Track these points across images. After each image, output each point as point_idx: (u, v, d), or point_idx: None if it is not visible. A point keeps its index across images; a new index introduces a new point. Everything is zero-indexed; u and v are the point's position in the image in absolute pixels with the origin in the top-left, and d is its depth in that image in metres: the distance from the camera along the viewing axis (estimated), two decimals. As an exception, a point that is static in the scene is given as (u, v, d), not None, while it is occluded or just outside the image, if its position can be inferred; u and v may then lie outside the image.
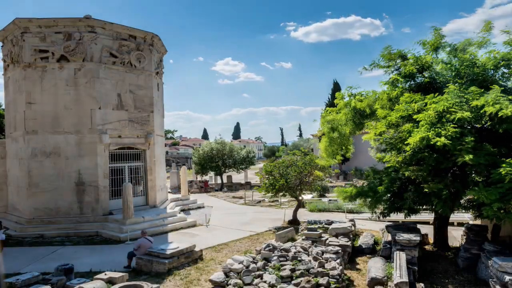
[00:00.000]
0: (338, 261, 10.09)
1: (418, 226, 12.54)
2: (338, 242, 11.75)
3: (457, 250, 12.18)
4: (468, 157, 8.64)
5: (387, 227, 12.68)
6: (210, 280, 9.28)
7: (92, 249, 13.70)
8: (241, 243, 14.32)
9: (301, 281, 8.74)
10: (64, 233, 15.54)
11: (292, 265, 9.82)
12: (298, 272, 9.29)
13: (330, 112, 13.89)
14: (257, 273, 9.46)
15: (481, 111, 9.12)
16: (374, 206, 12.33)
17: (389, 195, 12.01)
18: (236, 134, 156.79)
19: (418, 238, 10.67)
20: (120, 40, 17.55)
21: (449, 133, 8.89)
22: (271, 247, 11.04)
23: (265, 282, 8.95)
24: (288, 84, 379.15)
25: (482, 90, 9.80)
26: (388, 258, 11.27)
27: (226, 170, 37.21)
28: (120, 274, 9.46)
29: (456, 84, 10.70)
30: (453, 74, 11.54)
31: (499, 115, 8.62)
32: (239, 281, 9.08)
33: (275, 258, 10.28)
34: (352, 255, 12.21)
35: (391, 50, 12.58)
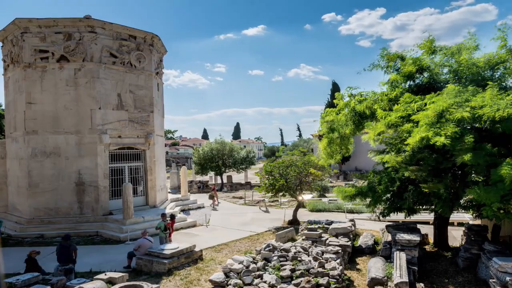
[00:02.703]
0: (338, 261, 10.10)
1: (418, 226, 12.55)
2: (338, 242, 11.75)
3: (457, 250, 12.19)
4: (467, 157, 8.64)
5: (387, 227, 12.68)
6: (210, 280, 9.28)
7: (92, 249, 13.70)
8: (241, 243, 14.32)
9: (301, 281, 8.74)
10: (64, 233, 15.43)
11: (292, 265, 9.83)
12: (298, 272, 9.29)
13: (329, 113, 13.88)
14: (257, 273, 9.47)
15: (479, 112, 9.12)
16: (374, 206, 12.34)
17: (388, 195, 12.02)
18: (236, 134, 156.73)
19: (418, 238, 10.68)
20: (120, 40, 17.55)
21: (449, 133, 8.89)
22: (271, 247, 11.04)
23: (265, 282, 8.95)
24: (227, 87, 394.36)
25: (480, 90, 9.81)
26: (388, 258, 11.27)
27: (226, 170, 37.19)
28: (120, 274, 9.46)
29: (456, 84, 10.72)
30: (452, 75, 11.57)
31: (497, 116, 8.60)
32: (239, 281, 9.08)
33: (275, 258, 10.28)
34: (352, 255, 12.22)
35: (389, 51, 12.66)
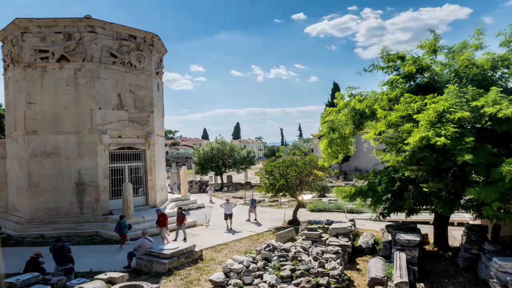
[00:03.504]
0: (338, 261, 10.09)
1: (418, 226, 12.55)
2: (338, 242, 11.75)
3: (457, 250, 12.18)
4: (468, 157, 8.64)
5: (387, 227, 12.67)
6: (210, 280, 9.28)
7: (92, 249, 13.71)
8: (241, 243, 14.32)
9: (301, 281, 8.74)
10: (64, 233, 15.50)
11: (292, 265, 9.82)
12: (298, 272, 9.29)
13: (330, 113, 13.87)
14: (257, 273, 9.47)
15: (481, 111, 9.11)
16: (375, 206, 12.33)
17: (389, 195, 12.01)
18: (236, 134, 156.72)
19: (418, 238, 10.67)
20: (120, 40, 17.55)
21: (449, 133, 8.88)
22: (271, 247, 11.04)
23: (265, 282, 8.95)
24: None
25: (482, 90, 9.80)
26: (388, 258, 11.27)
27: (226, 170, 37.19)
28: (120, 274, 9.46)
29: (456, 84, 10.71)
30: (452, 75, 11.56)
31: (499, 116, 8.61)
32: (239, 281, 9.08)
33: (275, 258, 10.28)
34: (352, 255, 12.21)
35: (389, 51, 12.63)
